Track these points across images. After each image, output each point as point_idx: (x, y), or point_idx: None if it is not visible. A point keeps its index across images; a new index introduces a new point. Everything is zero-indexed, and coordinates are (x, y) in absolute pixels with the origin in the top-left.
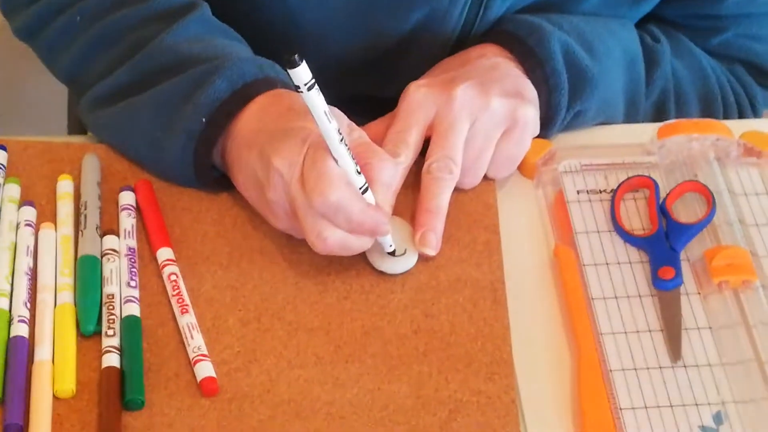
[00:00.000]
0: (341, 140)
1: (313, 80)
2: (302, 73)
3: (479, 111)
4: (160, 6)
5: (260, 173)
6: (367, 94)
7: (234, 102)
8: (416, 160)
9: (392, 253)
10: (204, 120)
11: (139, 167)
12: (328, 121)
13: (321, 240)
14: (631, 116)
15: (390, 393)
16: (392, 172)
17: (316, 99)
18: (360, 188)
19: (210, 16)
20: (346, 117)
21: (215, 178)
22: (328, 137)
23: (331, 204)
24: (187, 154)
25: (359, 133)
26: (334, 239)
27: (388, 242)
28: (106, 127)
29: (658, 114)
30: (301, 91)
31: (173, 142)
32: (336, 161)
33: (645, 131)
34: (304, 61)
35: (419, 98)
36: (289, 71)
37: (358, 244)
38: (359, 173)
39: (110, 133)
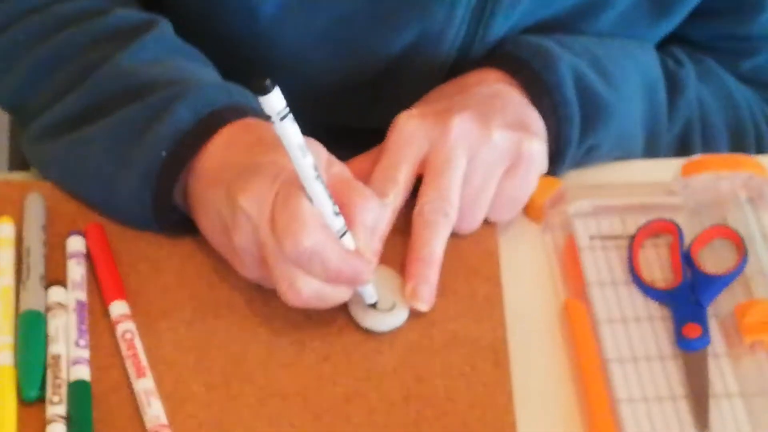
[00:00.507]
0: (317, 177)
1: (287, 109)
2: (274, 101)
3: (478, 145)
4: (114, 24)
5: (226, 215)
6: (349, 125)
7: (198, 133)
8: (407, 202)
9: (374, 306)
10: (164, 154)
11: (91, 209)
12: (302, 155)
13: (294, 291)
14: (651, 151)
15: None
16: (376, 212)
17: (289, 130)
18: (338, 232)
19: (171, 35)
20: (324, 149)
21: (177, 221)
22: (302, 174)
23: (305, 250)
24: (144, 193)
25: (339, 168)
26: (308, 290)
27: (369, 293)
28: (53, 162)
29: (683, 148)
30: (273, 122)
31: (128, 179)
32: (311, 200)
33: (667, 168)
34: (277, 87)
35: (410, 130)
36: (260, 99)
37: (336, 295)
38: (338, 214)
39: (57, 169)
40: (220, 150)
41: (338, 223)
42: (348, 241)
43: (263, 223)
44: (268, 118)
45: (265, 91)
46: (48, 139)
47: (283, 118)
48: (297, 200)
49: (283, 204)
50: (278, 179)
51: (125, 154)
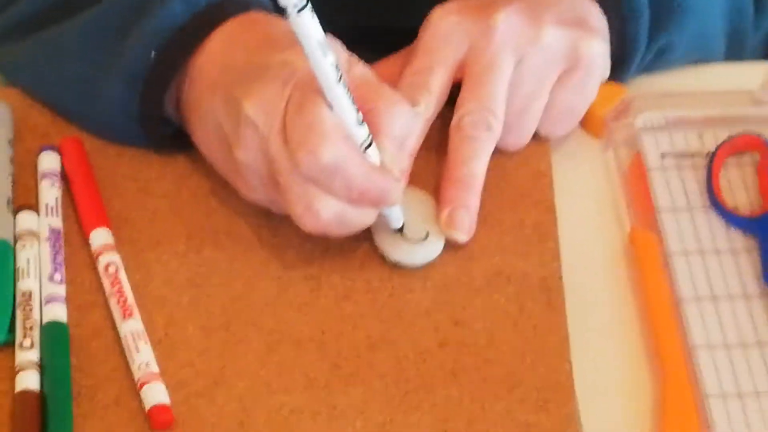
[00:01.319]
0: (339, 79)
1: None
2: None
3: (527, 45)
4: None
5: (227, 125)
6: (374, 25)
7: (193, 29)
8: (442, 113)
9: (401, 232)
10: (152, 54)
11: (66, 120)
12: (323, 54)
13: (311, 213)
14: (734, 53)
15: (407, 426)
16: (406, 120)
17: (308, 24)
18: (362, 144)
19: None
20: (344, 49)
21: (168, 135)
22: (322, 75)
23: (325, 165)
24: (129, 101)
25: (362, 70)
26: (328, 212)
27: (396, 216)
28: (20, 66)
29: None
30: (289, 14)
31: (110, 85)
32: (330, 107)
33: (753, 73)
34: None
35: (446, 28)
36: None
37: (360, 218)
38: (361, 123)
39: (26, 74)
40: (220, 49)
41: (362, 133)
42: (373, 154)
43: (273, 135)
44: (282, 11)
45: None
46: (13, 38)
47: (300, 10)
48: (314, 107)
49: (298, 111)
50: (290, 82)
51: (106, 55)
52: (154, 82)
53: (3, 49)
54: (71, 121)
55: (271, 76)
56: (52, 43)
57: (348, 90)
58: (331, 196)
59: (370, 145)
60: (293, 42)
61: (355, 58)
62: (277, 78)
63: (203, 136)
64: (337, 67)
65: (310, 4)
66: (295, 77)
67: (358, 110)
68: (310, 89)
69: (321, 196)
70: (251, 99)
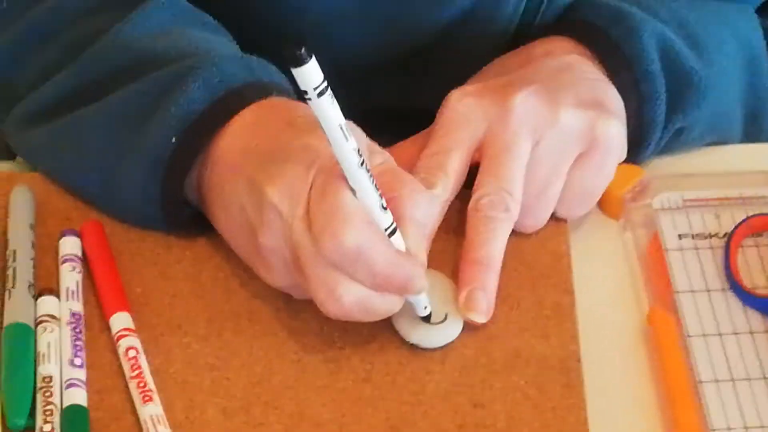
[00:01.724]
0: (361, 164)
1: (326, 83)
2: (311, 74)
3: (545, 127)
4: None
5: (250, 210)
6: (391, 107)
7: (215, 115)
8: (460, 194)
9: (427, 319)
10: (174, 140)
11: (87, 203)
12: (345, 138)
13: (334, 300)
14: (752, 134)
15: None
16: (428, 207)
17: (328, 108)
18: (386, 230)
19: (180, 0)
20: (364, 135)
21: (188, 218)
22: (344, 160)
23: (348, 250)
24: (151, 186)
25: (383, 157)
26: (351, 298)
27: (423, 303)
28: (43, 150)
29: None
30: (309, 98)
31: (132, 170)
32: (353, 193)
33: None
34: (313, 58)
35: (464, 110)
36: (294, 71)
37: (384, 305)
38: (385, 209)
39: (48, 159)
40: (242, 134)
41: (386, 219)
42: (397, 240)
43: (297, 220)
44: (303, 94)
45: (300, 61)
46: (36, 123)
47: (321, 94)
48: (337, 191)
49: (321, 196)
50: (314, 167)
51: (128, 141)
52: (176, 168)
53: (26, 134)
54: (92, 205)
55: (294, 161)
56: (73, 129)
57: (371, 175)
58: (355, 281)
59: (394, 231)
60: (314, 126)
61: (375, 145)
62: (300, 162)
63: (226, 220)
64: (359, 151)
65: (329, 89)
66: (318, 161)
67: (381, 196)
68: (333, 174)
69: (344, 282)
70: (274, 184)
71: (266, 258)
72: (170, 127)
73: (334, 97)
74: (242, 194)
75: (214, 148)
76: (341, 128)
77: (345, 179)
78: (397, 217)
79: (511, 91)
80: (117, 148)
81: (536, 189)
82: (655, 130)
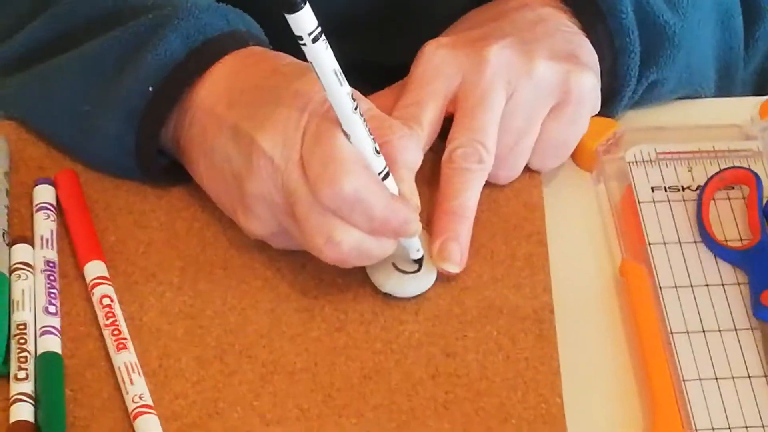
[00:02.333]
0: (355, 108)
1: (320, 28)
2: (306, 19)
3: (519, 79)
4: None
5: (236, 158)
6: (368, 60)
7: (192, 64)
8: (434, 146)
9: (420, 262)
10: (150, 90)
11: (62, 152)
12: (339, 83)
13: (332, 245)
14: (724, 88)
15: None
16: (417, 152)
17: (323, 53)
18: (380, 174)
19: None
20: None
21: (163, 167)
22: (339, 105)
23: (347, 196)
24: (126, 136)
25: (367, 104)
26: (349, 243)
27: (416, 245)
28: (18, 99)
29: (762, 86)
30: (304, 44)
31: (108, 119)
32: (348, 137)
33: (743, 108)
34: (307, 3)
35: (438, 62)
36: (289, 17)
37: (380, 248)
38: (378, 153)
39: (23, 107)
40: (222, 83)
41: (380, 163)
42: (390, 184)
43: (291, 166)
44: (298, 39)
45: (295, 7)
46: (11, 72)
47: (315, 40)
48: (332, 137)
49: (316, 142)
50: (306, 111)
51: (103, 91)
52: (152, 118)
53: (1, 82)
54: (67, 153)
55: (285, 106)
56: (48, 77)
57: (364, 120)
58: (352, 226)
59: (387, 175)
60: (302, 73)
61: (357, 93)
62: (292, 107)
63: (207, 169)
64: (352, 96)
65: (323, 35)
66: (310, 106)
67: (374, 140)
68: (328, 119)
69: (342, 227)
70: (265, 130)
71: (251, 206)
72: (147, 77)
73: (327, 43)
74: (227, 144)
75: (192, 98)
76: (335, 73)
77: (339, 124)
78: (389, 163)
79: (486, 44)
80: (92, 98)
81: (510, 140)
82: (628, 84)
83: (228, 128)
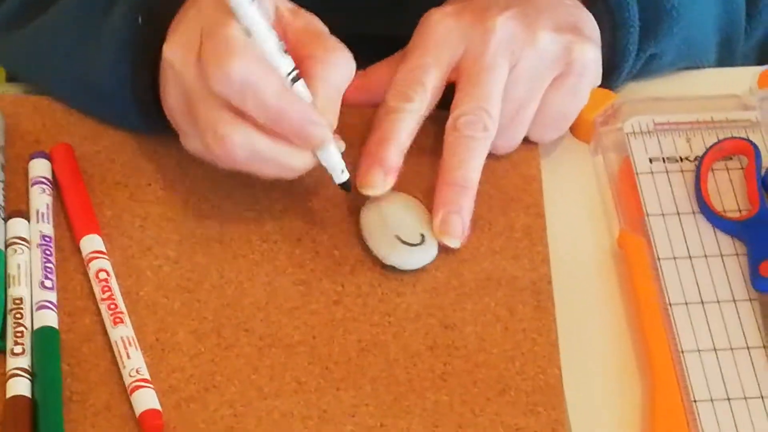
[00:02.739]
0: (251, 1)
1: None
2: None
3: (523, 49)
4: None
5: (162, 76)
6: (374, 33)
7: None
8: (434, 117)
9: (346, 186)
10: (139, 19)
11: (57, 127)
12: None
13: (219, 140)
14: (725, 61)
15: (397, 430)
16: (345, 70)
17: None
18: (287, 75)
19: None
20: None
21: (162, 113)
22: None
23: (235, 80)
24: (121, 67)
25: (307, 19)
26: (238, 137)
27: (337, 163)
28: (18, 55)
29: (763, 58)
30: None
31: (102, 55)
32: (248, 35)
33: (742, 78)
34: None
35: (443, 31)
36: None
37: (279, 151)
38: (285, 53)
39: (23, 62)
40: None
41: (285, 64)
42: (302, 90)
43: (188, 67)
44: None
45: None
46: (8, 31)
47: None
48: (225, 29)
49: (209, 37)
50: (202, 14)
51: (95, 27)
52: (143, 46)
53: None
54: (68, 104)
55: (185, 15)
56: (43, 28)
57: (264, 15)
58: (240, 120)
59: (297, 80)
60: None
61: (301, 10)
62: (190, 14)
63: (163, 96)
64: None
65: None
66: (206, 9)
67: (280, 39)
68: (223, 15)
69: (230, 120)
70: (169, 43)
71: (175, 120)
72: (134, 8)
73: None
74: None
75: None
76: None
77: (234, 20)
78: (309, 77)
79: (491, 14)
80: (85, 36)
81: (512, 110)
82: (628, 57)
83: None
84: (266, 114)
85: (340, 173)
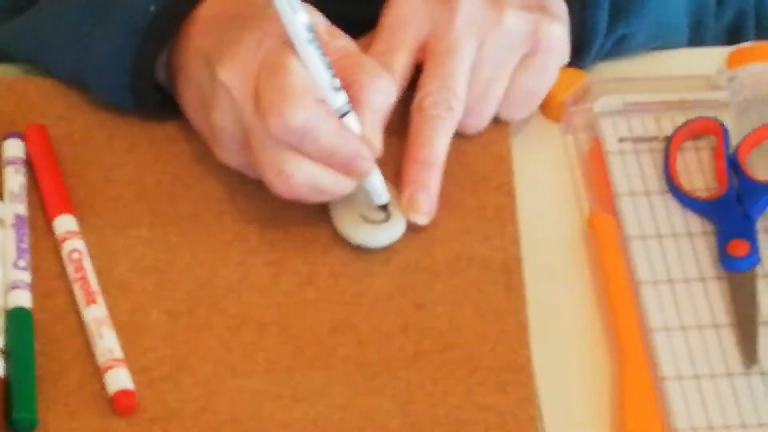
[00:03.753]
0: (310, 40)
1: None
2: None
3: (489, 29)
4: None
5: (206, 89)
6: (349, 18)
7: None
8: (403, 96)
9: (385, 208)
10: (152, 9)
11: (30, 108)
12: (292, 12)
13: (283, 178)
14: (695, 42)
15: (368, 409)
16: (387, 94)
17: None
18: (338, 111)
19: None
20: (323, 17)
21: (156, 99)
22: (292, 33)
23: (295, 128)
24: (125, 54)
25: (344, 42)
26: (300, 176)
27: (377, 188)
28: (22, 35)
29: (733, 41)
30: None
31: (108, 38)
32: (306, 69)
33: (711, 58)
34: None
35: (408, 10)
36: None
37: (334, 184)
38: (338, 90)
39: (26, 42)
40: (210, 15)
41: (339, 99)
42: (352, 123)
43: (246, 99)
44: None
45: None
46: (16, 13)
47: None
48: (287, 69)
49: (269, 75)
50: (263, 45)
51: (104, 11)
52: (151, 37)
53: (6, 25)
54: (63, 80)
55: (246, 39)
56: (51, 6)
57: (322, 53)
58: (303, 159)
59: (347, 113)
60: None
61: (336, 30)
62: (252, 41)
63: (187, 99)
64: (309, 28)
65: None
66: (268, 40)
67: (334, 75)
68: (284, 51)
69: (292, 160)
70: (224, 63)
71: (218, 137)
72: None
73: None
74: (201, 73)
75: (185, 27)
76: (288, 1)
77: (295, 56)
78: (355, 103)
79: None
80: (93, 16)
81: (479, 89)
82: (597, 37)
83: (201, 57)
84: (320, 154)
85: (378, 197)
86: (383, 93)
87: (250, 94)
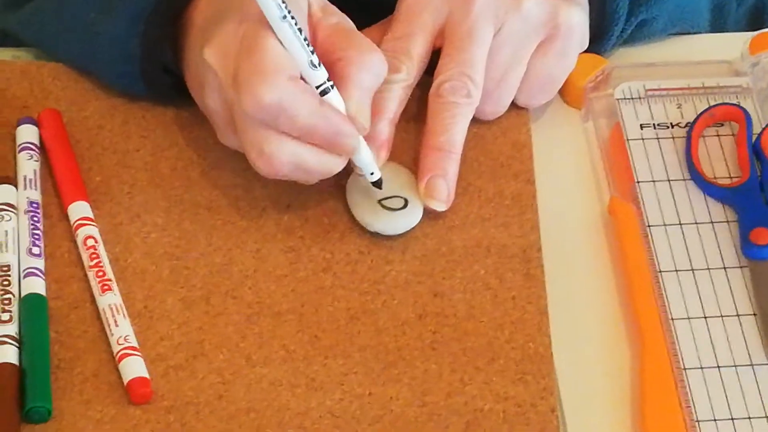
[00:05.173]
0: (284, 17)
1: None
2: None
3: (507, 13)
4: None
5: (201, 72)
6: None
7: None
8: (422, 81)
9: (378, 184)
10: None
11: (44, 93)
12: None
13: (264, 157)
14: (717, 26)
15: (385, 399)
16: (377, 71)
17: None
18: (318, 87)
19: None
20: None
21: (166, 84)
22: (266, 11)
23: (267, 105)
24: (130, 41)
25: (338, 19)
26: (282, 155)
27: (369, 164)
28: (29, 23)
29: (755, 24)
30: None
31: (113, 25)
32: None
33: (733, 44)
34: None
35: None
36: None
37: (319, 162)
38: (317, 66)
39: (33, 29)
40: None
41: (318, 76)
42: (334, 100)
43: (228, 80)
44: None
45: None
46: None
47: None
48: (260, 48)
49: (246, 54)
50: (243, 24)
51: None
52: (155, 23)
53: (13, 14)
54: (71, 66)
55: (227, 19)
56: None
57: (297, 30)
58: (285, 138)
59: (329, 90)
60: None
61: (331, 6)
62: (232, 20)
63: (190, 81)
64: (281, 4)
65: None
66: (248, 15)
67: (313, 52)
68: (260, 29)
69: (273, 139)
70: (209, 45)
71: (212, 119)
72: None
73: None
74: (197, 55)
75: (191, 11)
76: None
77: (272, 34)
78: (342, 79)
79: None
80: (98, 4)
81: (497, 75)
82: (617, 22)
83: (198, 39)
84: (298, 131)
85: (370, 174)
86: (372, 70)
87: (230, 73)
